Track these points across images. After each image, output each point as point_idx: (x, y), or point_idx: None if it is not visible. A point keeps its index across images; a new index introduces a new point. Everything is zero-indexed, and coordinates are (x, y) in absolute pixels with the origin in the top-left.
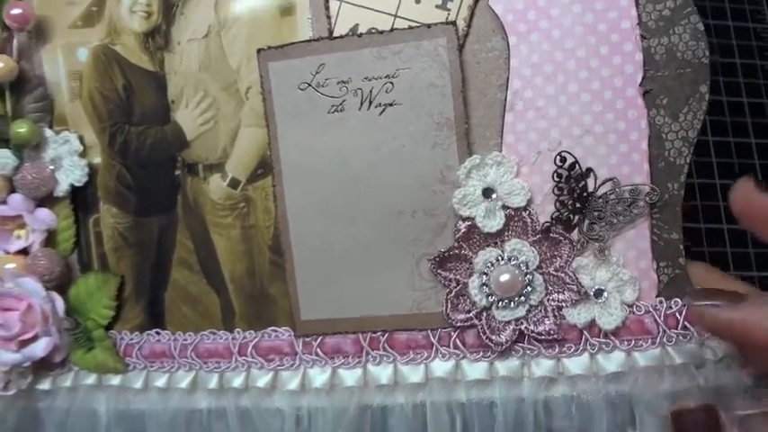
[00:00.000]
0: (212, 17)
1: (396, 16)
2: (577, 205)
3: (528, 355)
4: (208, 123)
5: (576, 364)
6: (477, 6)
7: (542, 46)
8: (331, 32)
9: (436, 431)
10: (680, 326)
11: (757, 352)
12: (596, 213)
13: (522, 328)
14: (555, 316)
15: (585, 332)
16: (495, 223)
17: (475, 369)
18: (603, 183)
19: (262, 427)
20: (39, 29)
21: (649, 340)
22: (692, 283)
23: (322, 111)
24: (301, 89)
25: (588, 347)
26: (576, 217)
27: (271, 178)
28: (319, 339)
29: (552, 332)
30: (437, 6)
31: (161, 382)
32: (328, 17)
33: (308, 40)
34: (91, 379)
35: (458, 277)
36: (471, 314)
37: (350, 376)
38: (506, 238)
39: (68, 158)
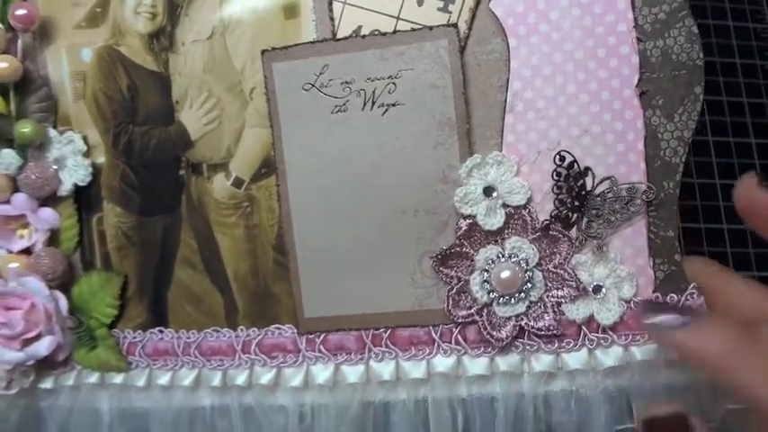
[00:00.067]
0: (217, 18)
1: (398, 18)
2: (576, 203)
3: (528, 350)
4: (212, 123)
5: (574, 358)
6: (478, 9)
7: (542, 48)
8: (334, 34)
9: (438, 426)
10: None
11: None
12: (594, 211)
13: (523, 323)
14: (554, 312)
15: (584, 327)
16: (495, 221)
17: (476, 365)
18: (601, 181)
19: (265, 424)
20: (43, 29)
21: (646, 335)
22: (687, 279)
23: (325, 111)
24: (305, 90)
25: (587, 342)
26: (575, 215)
27: (274, 178)
28: (322, 336)
29: (552, 328)
30: (439, 9)
31: (164, 380)
32: (332, 19)
33: (312, 42)
34: (93, 377)
35: (459, 274)
36: (472, 310)
37: (352, 373)
38: (507, 235)
39: (72, 158)
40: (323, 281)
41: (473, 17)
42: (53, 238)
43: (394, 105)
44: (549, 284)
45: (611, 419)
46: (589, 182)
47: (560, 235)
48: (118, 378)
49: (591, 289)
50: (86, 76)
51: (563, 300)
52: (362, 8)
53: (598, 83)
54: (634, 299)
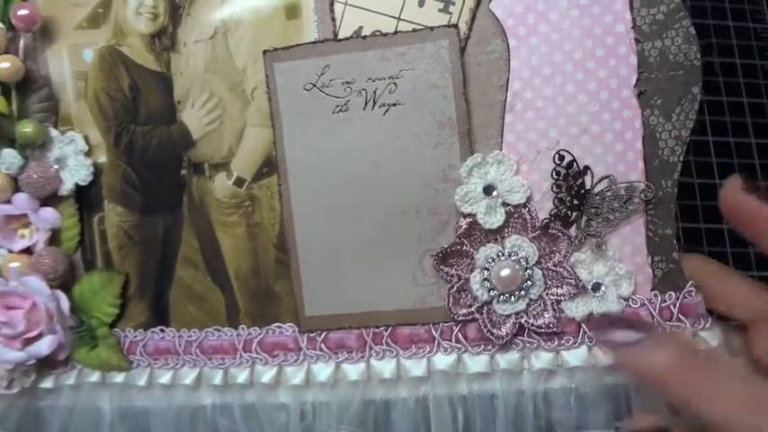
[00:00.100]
0: (218, 19)
1: (399, 19)
2: (575, 202)
3: (528, 348)
4: (214, 123)
5: (574, 356)
6: (479, 10)
7: (541, 48)
8: (336, 34)
9: (439, 424)
10: (674, 318)
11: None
12: (593, 210)
13: (522, 321)
14: (554, 309)
15: (583, 325)
16: (495, 220)
17: (476, 362)
18: (600, 180)
19: (267, 422)
20: (44, 30)
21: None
22: (685, 277)
23: (327, 111)
24: (306, 89)
25: (586, 340)
26: (574, 213)
27: (276, 177)
28: (323, 335)
29: (551, 325)
30: (439, 10)
31: (165, 378)
32: (333, 19)
33: (314, 42)
34: (94, 377)
35: (460, 273)
36: (473, 308)
37: (353, 371)
38: (507, 234)
39: (73, 158)
40: (324, 279)
41: (473, 18)
42: (54, 238)
43: (395, 105)
44: (549, 282)
45: (611, 417)
46: (588, 181)
47: (560, 233)
48: (119, 377)
49: (590, 287)
50: (88, 76)
51: (562, 297)
52: (364, 9)
53: (597, 83)
54: (632, 296)
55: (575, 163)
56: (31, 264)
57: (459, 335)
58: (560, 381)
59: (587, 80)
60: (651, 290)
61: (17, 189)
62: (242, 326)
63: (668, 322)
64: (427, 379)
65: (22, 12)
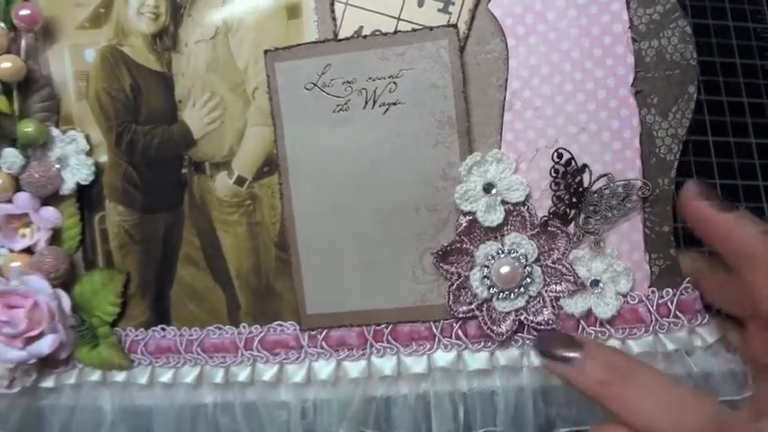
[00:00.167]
0: (220, 19)
1: (399, 19)
2: (573, 200)
3: (527, 344)
4: (215, 123)
5: None
6: (478, 10)
7: (539, 48)
8: (336, 34)
9: (439, 421)
10: (671, 314)
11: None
12: (591, 207)
13: (522, 318)
14: (553, 306)
15: (582, 321)
16: (495, 218)
17: (476, 359)
18: (598, 178)
19: (268, 420)
20: (46, 29)
21: (643, 328)
22: (682, 274)
23: (327, 110)
24: (307, 89)
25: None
26: (573, 211)
27: (276, 176)
28: (324, 333)
29: (551, 322)
30: (439, 10)
31: (166, 377)
32: (334, 19)
33: (315, 42)
34: (95, 376)
35: (460, 270)
36: (473, 306)
37: (354, 368)
38: (506, 231)
39: (75, 157)
40: (325, 277)
41: (472, 18)
42: (55, 237)
43: (395, 104)
44: (548, 279)
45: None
46: (586, 179)
47: (558, 231)
48: (120, 376)
49: (588, 283)
50: (89, 75)
51: (561, 294)
52: (364, 9)
53: (594, 82)
54: (630, 293)
55: (573, 161)
56: (33, 263)
57: (460, 332)
58: None
59: (585, 79)
60: (649, 286)
61: (18, 188)
62: (243, 324)
63: (666, 318)
64: (428, 376)
65: (24, 12)
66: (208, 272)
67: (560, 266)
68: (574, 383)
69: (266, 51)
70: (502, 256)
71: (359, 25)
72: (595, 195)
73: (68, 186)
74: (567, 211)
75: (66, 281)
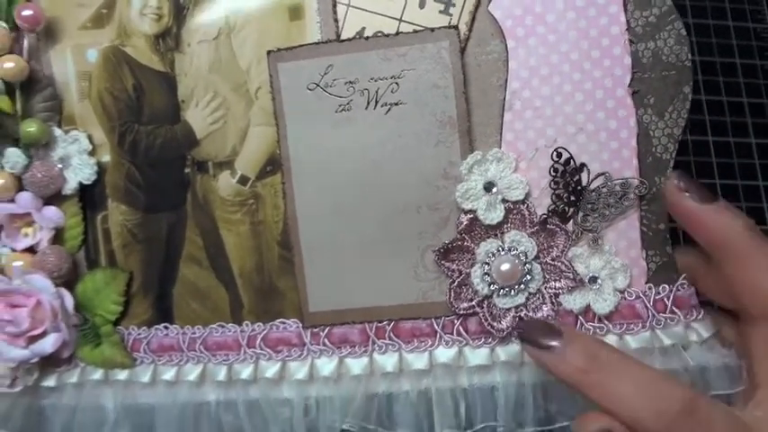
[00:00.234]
0: (223, 20)
1: (401, 20)
2: (572, 198)
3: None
4: (217, 122)
5: None
6: (478, 12)
7: (539, 49)
8: (338, 35)
9: (441, 416)
10: (668, 310)
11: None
12: (590, 206)
13: (522, 314)
14: (552, 302)
15: (581, 317)
16: (495, 216)
17: (477, 355)
18: (596, 177)
19: (271, 418)
20: (48, 30)
21: (640, 324)
22: (678, 270)
23: (330, 110)
24: (310, 89)
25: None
26: (571, 209)
27: (279, 175)
28: (327, 330)
29: (550, 318)
30: (440, 12)
31: (169, 375)
32: (336, 21)
33: (317, 43)
34: (97, 374)
35: (461, 267)
36: (473, 302)
37: (356, 365)
38: (506, 229)
39: (77, 157)
40: (327, 275)
41: (473, 19)
42: (57, 237)
43: (396, 104)
44: (548, 276)
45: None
46: (584, 177)
47: (557, 228)
48: (122, 375)
49: (587, 280)
50: (92, 76)
51: (561, 291)
52: (366, 10)
53: (593, 82)
54: (628, 289)
55: (572, 160)
56: (36, 262)
57: (461, 328)
58: None
59: (584, 80)
60: (646, 282)
61: (21, 188)
62: (246, 322)
63: (662, 314)
64: (429, 372)
65: (27, 12)
66: (211, 270)
67: (559, 263)
68: (554, 371)
69: (269, 52)
70: (502, 253)
71: (361, 26)
72: (593, 194)
73: (71, 186)
74: (566, 209)
75: (68, 280)
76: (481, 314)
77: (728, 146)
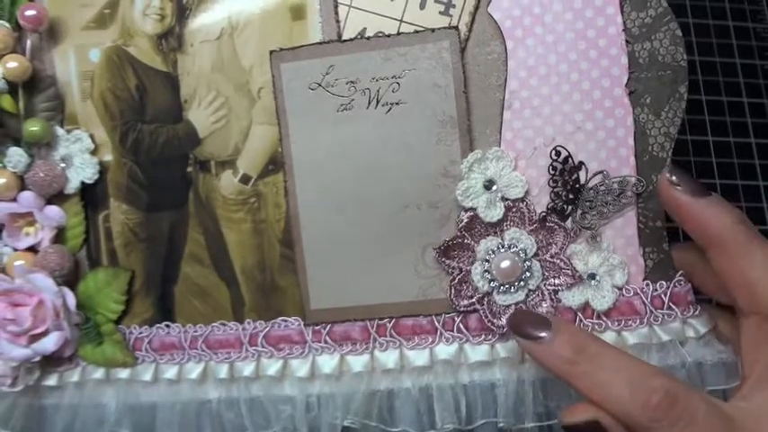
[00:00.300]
0: (225, 20)
1: (401, 21)
2: (570, 196)
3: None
4: (220, 122)
5: None
6: (478, 13)
7: (537, 50)
8: (340, 36)
9: (442, 413)
10: (665, 306)
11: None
12: (588, 203)
13: None
14: (551, 299)
15: (580, 314)
16: (495, 213)
17: (477, 352)
18: (594, 175)
19: (273, 415)
20: (51, 30)
21: (638, 320)
22: (675, 267)
23: (331, 109)
24: (312, 89)
25: (582, 328)
26: (570, 207)
27: (281, 174)
28: (328, 327)
29: (550, 314)
30: (440, 12)
31: (171, 373)
32: (337, 21)
33: (319, 43)
34: (99, 373)
35: (461, 265)
36: (474, 299)
37: (358, 362)
38: (506, 227)
39: (79, 156)
40: (329, 273)
41: (473, 20)
42: (59, 236)
43: (397, 104)
44: (547, 273)
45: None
46: (583, 175)
47: (556, 226)
48: (124, 373)
49: (586, 277)
50: (94, 75)
51: (560, 287)
52: (367, 11)
53: (590, 82)
54: (626, 286)
55: (570, 159)
56: (38, 261)
57: (461, 325)
58: None
59: (581, 80)
60: (643, 279)
61: (23, 187)
62: (247, 320)
63: (660, 310)
64: (430, 369)
65: (30, 12)
66: (212, 269)
67: (558, 260)
68: (542, 361)
69: (272, 52)
70: (502, 250)
71: (362, 27)
72: (591, 192)
73: (73, 185)
74: (565, 207)
75: (70, 279)
76: (481, 311)
77: (728, 146)
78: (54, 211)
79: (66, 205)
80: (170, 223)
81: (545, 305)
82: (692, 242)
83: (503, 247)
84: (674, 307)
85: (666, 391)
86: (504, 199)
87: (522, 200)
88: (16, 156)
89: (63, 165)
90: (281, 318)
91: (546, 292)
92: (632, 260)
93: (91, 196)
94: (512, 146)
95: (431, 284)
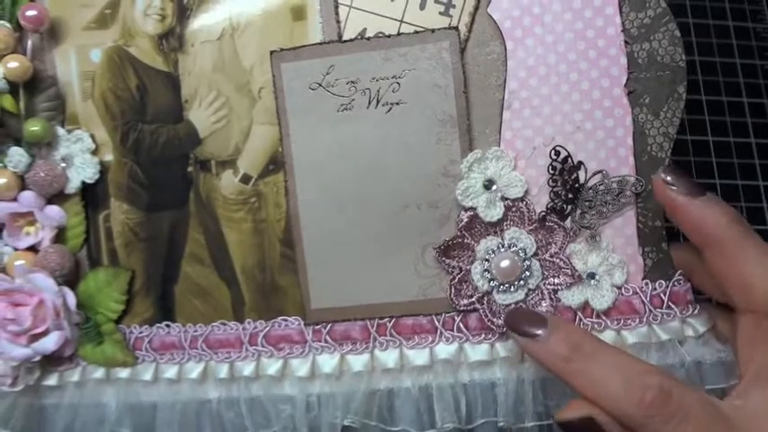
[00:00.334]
0: (226, 20)
1: (401, 21)
2: (570, 196)
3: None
4: (220, 122)
5: None
6: (477, 13)
7: (537, 50)
8: (340, 36)
9: (442, 412)
10: (664, 305)
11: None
12: (587, 203)
13: None
14: (551, 298)
15: (579, 313)
16: (495, 213)
17: (477, 351)
18: (593, 175)
19: (273, 415)
20: (52, 30)
21: (637, 319)
22: (674, 267)
23: (332, 109)
24: (312, 89)
25: (582, 327)
26: (569, 206)
27: (281, 174)
28: (328, 327)
29: (546, 312)
30: (440, 13)
31: (171, 373)
32: (338, 21)
33: (320, 43)
34: (99, 373)
35: (461, 264)
36: (474, 299)
37: (358, 362)
38: (505, 227)
39: (80, 156)
40: (329, 273)
41: (472, 21)
42: (59, 236)
43: (398, 104)
44: (546, 272)
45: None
46: (582, 175)
47: (556, 226)
48: (124, 373)
49: (585, 276)
50: (95, 75)
51: (559, 287)
52: (367, 11)
53: (589, 82)
54: (625, 285)
55: (569, 158)
56: (38, 260)
57: (461, 324)
58: None
59: (580, 80)
60: (642, 279)
61: (24, 187)
62: (248, 320)
63: (659, 309)
64: (430, 368)
65: (31, 12)
66: (213, 268)
67: (558, 260)
68: (538, 359)
69: (272, 52)
70: (502, 250)
71: (362, 27)
72: (591, 191)
73: (73, 185)
74: (564, 206)
75: (70, 279)
76: (481, 310)
77: (728, 146)
78: (54, 210)
79: (67, 205)
80: (170, 223)
81: (545, 304)
82: (690, 242)
83: (502, 246)
84: (673, 306)
85: (660, 387)
86: (503, 198)
87: (522, 199)
88: (17, 155)
89: (64, 164)
90: (281, 317)
91: (545, 292)
92: (631, 259)
93: (91, 196)
94: (511, 145)
95: (431, 284)
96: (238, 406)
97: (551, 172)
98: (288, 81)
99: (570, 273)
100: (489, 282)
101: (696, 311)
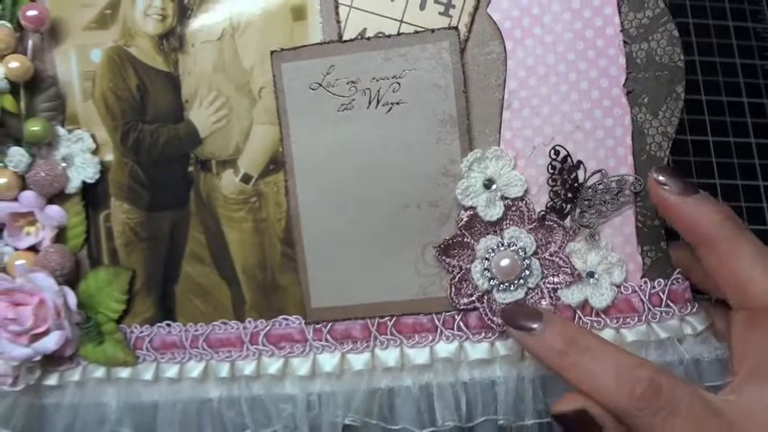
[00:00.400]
0: (226, 20)
1: (401, 21)
2: (569, 195)
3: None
4: (221, 122)
5: None
6: (477, 13)
7: (536, 50)
8: (341, 36)
9: (442, 410)
10: (663, 304)
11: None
12: (586, 202)
13: None
14: (551, 297)
15: (579, 312)
16: (495, 212)
17: (477, 350)
18: (593, 174)
19: (273, 414)
20: (53, 30)
21: (636, 318)
22: (673, 265)
23: (332, 109)
24: (312, 89)
25: (581, 326)
26: (569, 206)
27: (282, 174)
28: (329, 326)
29: (543, 308)
30: (440, 13)
31: (172, 372)
32: (338, 22)
33: (320, 43)
34: (99, 372)
35: (461, 263)
36: (474, 297)
37: (358, 360)
38: (505, 226)
39: (81, 156)
40: (330, 272)
41: (472, 21)
42: (60, 236)
43: (398, 104)
44: (546, 271)
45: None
46: (581, 174)
47: (555, 225)
48: (124, 372)
49: (584, 275)
50: (95, 76)
51: (559, 285)
52: (367, 11)
53: (588, 82)
54: (624, 283)
55: (569, 158)
56: (39, 260)
57: (461, 323)
58: None
59: (580, 80)
60: (641, 277)
61: (24, 187)
62: (248, 319)
63: (658, 308)
64: (430, 367)
65: (31, 12)
66: (213, 268)
67: (557, 259)
68: (533, 352)
69: (273, 52)
70: (502, 249)
71: (363, 27)
72: (590, 190)
73: (74, 185)
74: (564, 205)
75: (71, 278)
76: (481, 309)
77: (728, 146)
78: (55, 210)
79: (67, 205)
80: (171, 223)
81: (544, 303)
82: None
83: (502, 245)
84: (671, 304)
85: (650, 381)
86: (503, 198)
87: (522, 199)
88: (17, 155)
89: (64, 164)
90: (281, 316)
91: (545, 290)
92: (630, 258)
93: (92, 196)
94: (511, 145)
95: (431, 283)
96: (239, 405)
97: (551, 171)
98: (288, 81)
99: (570, 271)
100: (489, 280)
101: (694, 310)
